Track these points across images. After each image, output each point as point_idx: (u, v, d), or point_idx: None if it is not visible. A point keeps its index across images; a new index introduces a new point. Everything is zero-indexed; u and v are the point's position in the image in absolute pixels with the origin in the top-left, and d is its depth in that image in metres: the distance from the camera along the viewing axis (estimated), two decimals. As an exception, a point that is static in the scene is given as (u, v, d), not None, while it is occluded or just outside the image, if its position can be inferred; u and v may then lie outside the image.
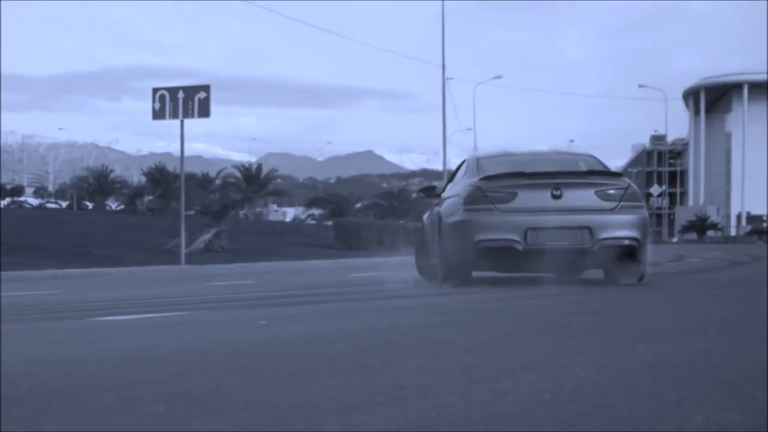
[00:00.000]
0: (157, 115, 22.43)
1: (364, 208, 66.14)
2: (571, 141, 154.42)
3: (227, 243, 30.99)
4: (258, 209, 67.09)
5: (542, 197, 9.65)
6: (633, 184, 10.28)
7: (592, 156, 11.54)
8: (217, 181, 52.72)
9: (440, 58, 42.19)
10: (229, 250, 30.29)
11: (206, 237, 30.61)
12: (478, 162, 10.84)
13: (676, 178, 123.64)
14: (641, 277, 9.88)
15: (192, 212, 37.92)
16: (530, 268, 9.99)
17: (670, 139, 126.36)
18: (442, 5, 40.78)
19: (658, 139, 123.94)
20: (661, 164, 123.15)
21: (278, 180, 72.61)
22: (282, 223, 69.13)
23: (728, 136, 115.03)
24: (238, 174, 55.67)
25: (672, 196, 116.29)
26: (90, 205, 60.78)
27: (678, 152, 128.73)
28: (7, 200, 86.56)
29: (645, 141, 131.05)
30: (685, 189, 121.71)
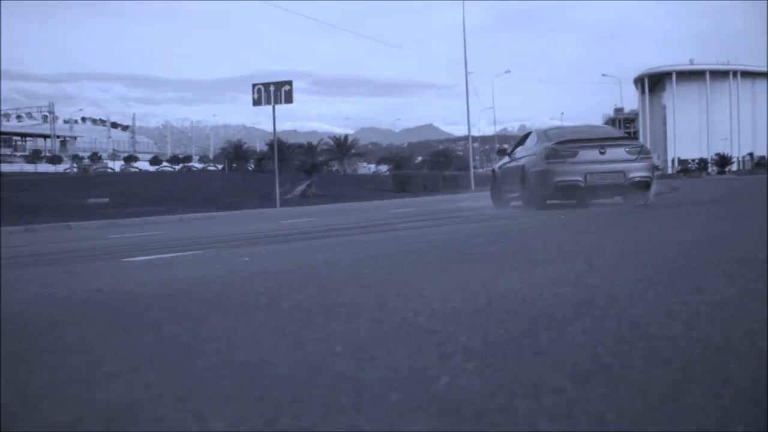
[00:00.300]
0: (256, 102, 21.67)
1: (421, 163, 65.13)
2: (562, 113, 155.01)
3: (317, 190, 30.31)
4: (353, 165, 66.55)
5: (593, 154, 10.91)
6: (645, 145, 11.81)
7: (611, 127, 14.97)
8: (318, 148, 52.01)
9: (467, 60, 40.77)
10: (318, 196, 29.65)
11: (301, 187, 30.00)
12: (546, 133, 12.03)
13: (630, 136, 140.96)
14: (647, 200, 11.16)
15: (298, 170, 37.31)
16: (587, 197, 11.11)
17: (626, 110, 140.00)
18: (463, 26, 39.27)
19: (618, 110, 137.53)
20: (621, 127, 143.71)
21: (369, 145, 72.76)
22: (366, 175, 68.45)
23: (664, 107, 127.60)
24: (332, 143, 55.04)
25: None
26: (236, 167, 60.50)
27: (632, 119, 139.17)
28: (180, 166, 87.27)
29: (610, 112, 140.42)
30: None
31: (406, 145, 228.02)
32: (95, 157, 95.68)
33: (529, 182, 11.26)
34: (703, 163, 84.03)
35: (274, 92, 21.35)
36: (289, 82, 21.47)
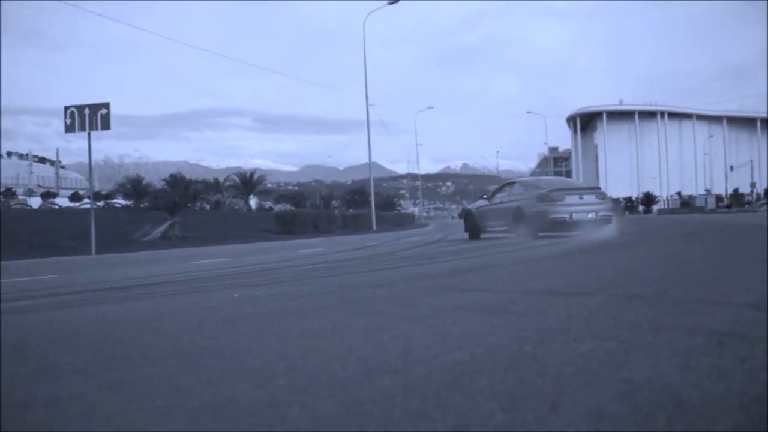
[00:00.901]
0: (69, 128, 17.89)
1: (339, 202, 61.61)
2: (498, 151, 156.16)
3: (180, 232, 26.26)
4: (266, 203, 62.32)
5: (575, 199, 13.76)
6: (605, 192, 15.16)
7: (575, 180, 14.62)
8: (225, 185, 48.18)
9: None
10: (182, 237, 25.71)
11: (162, 228, 26.00)
12: (532, 183, 15.28)
13: (563, 175, 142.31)
14: (609, 232, 13.35)
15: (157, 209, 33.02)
16: (572, 230, 13.50)
17: (561, 149, 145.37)
18: (364, 62, 36.37)
19: (552, 149, 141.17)
20: (555, 165, 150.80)
21: (312, 182, 68.83)
22: (268, 212, 64.04)
23: (596, 146, 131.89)
24: (237, 179, 51.21)
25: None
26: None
27: (566, 158, 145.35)
28: (102, 203, 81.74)
29: (545, 151, 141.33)
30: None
31: (349, 183, 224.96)
32: (9, 192, 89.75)
33: (527, 219, 14.02)
34: (630, 202, 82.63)
35: (89, 116, 17.65)
36: (107, 105, 17.76)
